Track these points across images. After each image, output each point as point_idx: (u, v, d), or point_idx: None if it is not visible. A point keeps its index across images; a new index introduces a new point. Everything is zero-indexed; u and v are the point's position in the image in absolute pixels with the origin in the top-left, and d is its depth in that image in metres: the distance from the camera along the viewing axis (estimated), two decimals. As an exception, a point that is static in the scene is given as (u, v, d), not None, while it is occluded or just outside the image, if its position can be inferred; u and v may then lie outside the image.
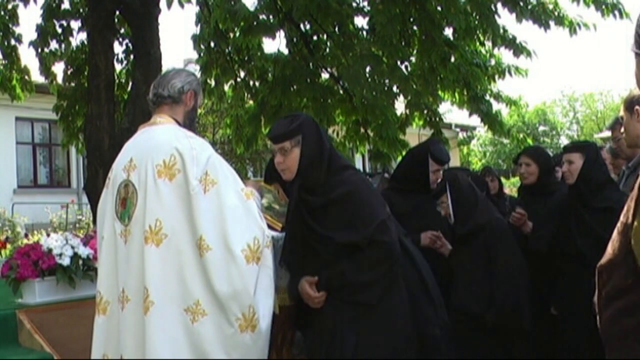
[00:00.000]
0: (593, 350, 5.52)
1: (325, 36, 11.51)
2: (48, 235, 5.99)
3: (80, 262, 5.53)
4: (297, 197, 4.37)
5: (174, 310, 3.70)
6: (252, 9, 10.85)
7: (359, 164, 25.14)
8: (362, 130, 11.87)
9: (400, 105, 12.15)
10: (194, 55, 12.74)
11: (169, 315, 3.69)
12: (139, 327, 3.73)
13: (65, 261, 5.43)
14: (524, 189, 6.62)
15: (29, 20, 12.16)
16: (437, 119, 11.99)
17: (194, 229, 3.74)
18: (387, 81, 11.08)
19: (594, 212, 5.62)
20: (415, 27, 10.66)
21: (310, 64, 11.41)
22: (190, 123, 4.17)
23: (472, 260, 5.32)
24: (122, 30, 11.20)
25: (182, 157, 3.79)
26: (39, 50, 11.65)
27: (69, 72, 11.72)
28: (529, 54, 10.22)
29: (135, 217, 3.83)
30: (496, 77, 11.23)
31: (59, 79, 12.03)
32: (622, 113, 4.29)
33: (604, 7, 9.25)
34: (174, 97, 4.10)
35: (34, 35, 11.59)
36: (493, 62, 11.42)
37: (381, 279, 4.19)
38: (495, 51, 11.27)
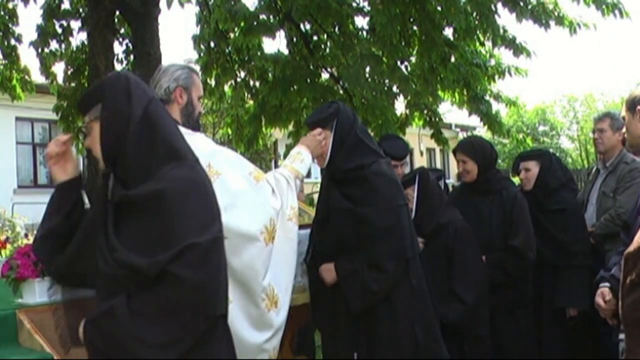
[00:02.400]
0: (561, 345, 5.97)
1: (325, 36, 11.53)
2: (48, 235, 5.99)
3: (80, 262, 5.52)
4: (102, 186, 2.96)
5: None
6: (252, 9, 10.86)
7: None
8: (362, 130, 11.85)
9: (400, 105, 12.16)
10: (194, 55, 12.75)
11: None
12: None
13: (66, 261, 5.43)
14: (465, 188, 6.01)
15: (29, 21, 12.17)
16: (437, 119, 12.03)
17: None
18: (387, 81, 11.10)
19: (549, 214, 6.05)
20: (415, 27, 10.66)
21: (310, 64, 11.42)
22: (187, 118, 4.12)
23: (431, 261, 5.04)
24: (122, 30, 11.22)
25: None
26: (39, 50, 11.67)
27: (69, 72, 11.74)
28: (528, 54, 10.23)
29: None
30: (496, 77, 11.23)
31: (59, 79, 12.05)
32: (623, 113, 4.28)
33: (604, 6, 9.24)
34: (164, 99, 4.04)
35: (34, 36, 11.62)
36: (493, 62, 11.42)
37: (178, 338, 2.68)
38: (495, 51, 11.28)
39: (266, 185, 3.99)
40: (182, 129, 4.00)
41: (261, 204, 3.90)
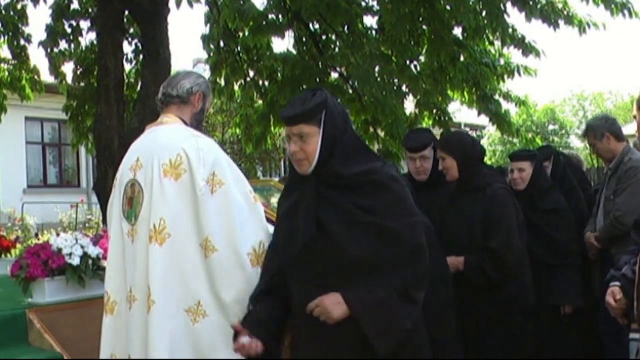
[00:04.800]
0: (555, 343, 6.01)
1: (334, 36, 11.52)
2: (58, 235, 6.00)
3: (90, 261, 5.53)
4: None
5: (175, 310, 3.71)
6: (261, 8, 10.85)
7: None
8: (372, 129, 11.86)
9: (409, 105, 12.15)
10: (204, 55, 12.76)
11: (169, 315, 3.70)
12: (144, 326, 3.75)
13: (75, 261, 5.44)
14: (455, 186, 5.53)
15: (38, 21, 12.20)
16: (447, 118, 11.98)
17: (200, 229, 3.74)
18: (396, 81, 11.09)
19: (543, 214, 6.14)
20: (424, 27, 10.64)
21: (320, 64, 11.41)
22: (197, 125, 4.14)
23: None
24: (132, 30, 11.22)
25: (188, 157, 3.78)
26: (49, 50, 11.70)
27: (78, 72, 11.76)
28: (538, 53, 10.20)
29: (141, 217, 3.83)
30: (505, 76, 11.21)
31: (69, 79, 12.07)
32: (634, 112, 4.29)
33: (613, 6, 9.21)
34: (183, 98, 4.08)
35: (43, 36, 11.64)
36: (502, 61, 11.40)
37: None
38: (505, 51, 11.25)
39: (261, 208, 3.98)
40: (194, 131, 4.02)
41: (255, 225, 3.88)
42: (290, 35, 11.34)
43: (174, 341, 3.69)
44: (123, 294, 3.91)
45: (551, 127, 51.13)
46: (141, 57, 10.71)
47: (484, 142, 43.52)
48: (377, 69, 10.66)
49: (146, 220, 3.79)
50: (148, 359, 3.70)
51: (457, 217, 5.24)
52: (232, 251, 3.74)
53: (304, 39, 11.62)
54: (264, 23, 10.58)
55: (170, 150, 3.82)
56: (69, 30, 11.67)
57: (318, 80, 11.28)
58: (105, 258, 5.32)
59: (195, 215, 3.74)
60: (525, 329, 5.23)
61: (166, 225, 3.73)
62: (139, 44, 11.20)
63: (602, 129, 6.36)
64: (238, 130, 13.97)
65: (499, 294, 5.08)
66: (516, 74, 11.12)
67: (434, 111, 11.84)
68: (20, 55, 12.10)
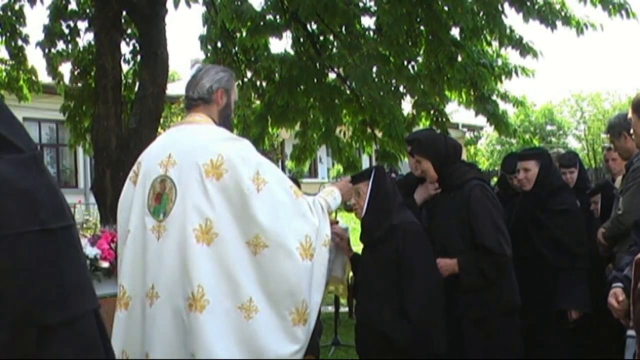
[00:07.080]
0: (562, 346, 5.86)
1: (332, 36, 11.53)
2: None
3: (88, 262, 5.52)
4: None
5: (228, 308, 3.74)
6: (258, 9, 10.86)
7: (365, 164, 25.15)
8: (369, 130, 11.87)
9: (407, 106, 12.17)
10: (201, 55, 12.76)
11: (224, 313, 3.73)
12: (169, 325, 3.76)
13: (73, 261, 5.43)
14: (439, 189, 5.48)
15: (35, 21, 12.19)
16: (444, 119, 12.00)
17: (247, 227, 3.79)
18: (394, 81, 11.10)
19: (552, 215, 5.96)
20: (422, 27, 10.66)
21: (317, 64, 11.41)
22: (224, 121, 4.17)
23: (379, 268, 4.72)
24: (129, 31, 11.20)
25: (229, 157, 3.80)
26: (46, 50, 11.67)
27: (76, 73, 11.73)
28: (535, 54, 10.21)
29: (173, 214, 3.80)
30: (503, 77, 11.22)
31: (66, 79, 12.05)
32: (630, 115, 4.30)
33: (610, 7, 9.22)
34: (205, 99, 4.09)
35: (41, 36, 11.62)
36: (500, 62, 11.41)
37: None
38: (502, 51, 11.27)
39: (304, 202, 4.03)
40: (227, 132, 4.06)
41: (298, 219, 3.94)
42: (287, 36, 11.37)
43: (229, 339, 3.73)
44: (140, 289, 3.89)
45: (549, 128, 51.20)
46: (139, 57, 10.70)
47: (482, 142, 43.57)
48: (374, 69, 10.67)
49: (180, 218, 3.78)
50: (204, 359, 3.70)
51: (439, 217, 5.22)
52: (282, 246, 3.81)
53: (302, 40, 11.63)
54: (262, 23, 10.59)
55: (210, 151, 3.83)
56: (66, 31, 11.64)
57: (315, 80, 11.29)
58: (103, 259, 5.31)
59: (242, 213, 3.78)
60: (509, 330, 5.08)
61: (212, 225, 3.74)
62: (137, 45, 11.18)
63: (619, 128, 6.13)
64: (235, 131, 13.96)
65: (476, 295, 4.94)
66: (514, 74, 11.14)
67: (432, 112, 11.86)
68: (17, 55, 12.08)
